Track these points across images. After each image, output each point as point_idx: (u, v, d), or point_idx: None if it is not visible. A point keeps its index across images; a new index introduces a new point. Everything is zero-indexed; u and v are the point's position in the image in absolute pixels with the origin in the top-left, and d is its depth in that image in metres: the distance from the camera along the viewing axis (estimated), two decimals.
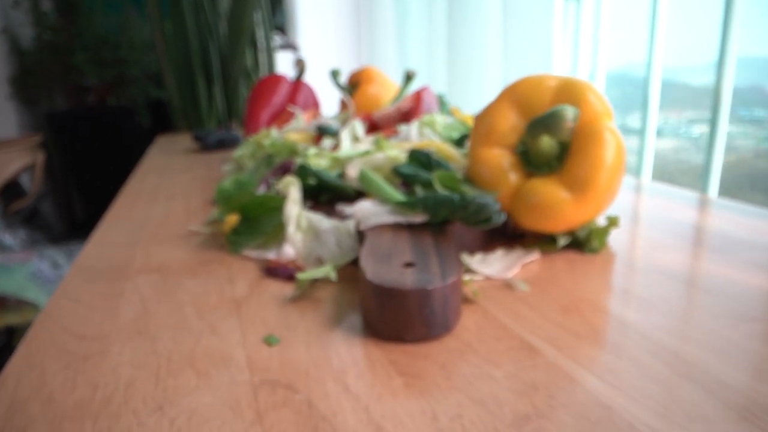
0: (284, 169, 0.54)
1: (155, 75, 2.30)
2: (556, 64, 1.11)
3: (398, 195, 0.41)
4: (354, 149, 0.54)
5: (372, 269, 0.32)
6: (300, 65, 0.91)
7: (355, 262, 0.41)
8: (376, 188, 0.42)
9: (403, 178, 0.46)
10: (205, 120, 1.61)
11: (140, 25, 2.40)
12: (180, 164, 0.96)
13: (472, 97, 1.34)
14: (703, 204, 0.58)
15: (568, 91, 0.42)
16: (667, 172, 1.23)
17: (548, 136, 0.39)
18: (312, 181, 0.48)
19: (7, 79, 2.28)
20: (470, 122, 0.67)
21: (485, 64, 1.28)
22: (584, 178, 0.41)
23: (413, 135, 0.59)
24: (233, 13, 1.48)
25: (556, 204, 0.41)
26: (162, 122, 2.08)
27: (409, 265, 0.33)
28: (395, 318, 0.30)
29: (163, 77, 1.63)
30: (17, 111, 2.30)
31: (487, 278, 0.40)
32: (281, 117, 0.87)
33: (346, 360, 0.30)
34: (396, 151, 0.50)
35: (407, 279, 0.30)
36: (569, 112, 0.36)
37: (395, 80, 0.94)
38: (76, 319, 0.36)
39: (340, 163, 0.52)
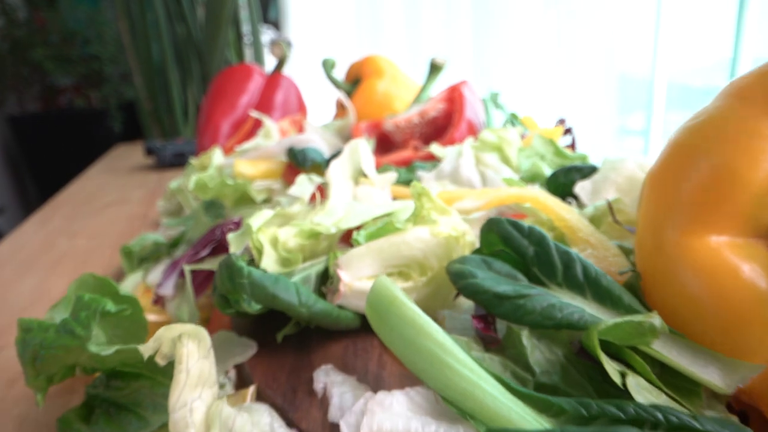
0: (214, 246, 0.26)
1: (129, 73, 2.02)
2: (626, 49, 0.82)
3: (507, 408, 0.14)
4: (355, 207, 0.26)
5: None
6: (278, 51, 0.63)
7: None
8: (427, 369, 0.14)
9: (476, 300, 0.18)
10: (180, 125, 1.36)
11: (115, 16, 2.12)
12: (113, 191, 0.69)
13: (508, 97, 1.04)
14: None
15: None
16: None
17: None
18: (250, 306, 0.19)
19: None
20: (557, 140, 0.39)
21: (527, 51, 0.98)
22: None
23: (466, 170, 0.31)
24: None
25: None
26: (137, 127, 1.82)
27: None
28: None
29: (132, 74, 1.36)
30: None
31: None
32: (250, 126, 0.60)
33: None
34: (451, 218, 0.22)
35: None
36: None
37: (411, 74, 0.66)
38: None
39: (325, 245, 0.24)
